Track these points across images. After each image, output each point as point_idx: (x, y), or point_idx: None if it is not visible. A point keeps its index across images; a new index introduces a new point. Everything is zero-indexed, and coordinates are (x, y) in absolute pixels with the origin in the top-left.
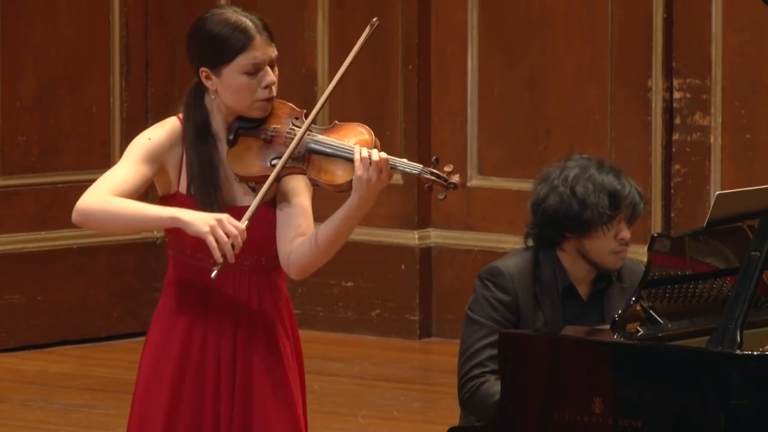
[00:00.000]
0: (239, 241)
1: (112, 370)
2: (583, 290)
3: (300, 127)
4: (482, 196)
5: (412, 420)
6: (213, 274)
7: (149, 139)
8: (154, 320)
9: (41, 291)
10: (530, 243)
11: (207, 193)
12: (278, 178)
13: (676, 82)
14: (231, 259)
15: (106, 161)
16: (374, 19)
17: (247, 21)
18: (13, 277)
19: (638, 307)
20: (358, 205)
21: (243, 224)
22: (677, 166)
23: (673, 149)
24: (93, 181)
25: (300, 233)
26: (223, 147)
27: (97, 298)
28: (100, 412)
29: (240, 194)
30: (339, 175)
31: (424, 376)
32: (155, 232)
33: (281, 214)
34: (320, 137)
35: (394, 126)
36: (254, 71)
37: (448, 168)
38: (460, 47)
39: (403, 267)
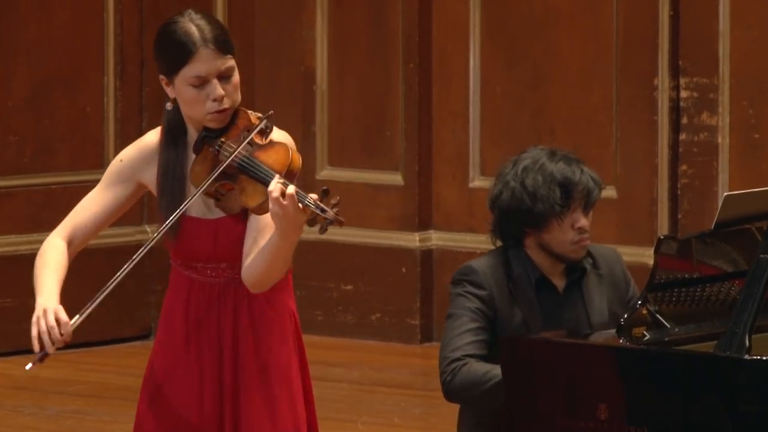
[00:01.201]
0: (56, 333)
1: (105, 375)
2: (558, 282)
3: (239, 143)
4: (484, 197)
5: (413, 426)
6: (27, 367)
7: (120, 160)
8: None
9: (34, 294)
10: (498, 243)
11: (166, 203)
12: (214, 195)
13: (682, 81)
14: (49, 350)
15: (99, 162)
16: (269, 114)
17: (195, 33)
18: (5, 280)
19: (644, 311)
20: (280, 236)
21: (72, 320)
22: (684, 167)
23: (680, 149)
24: (87, 181)
25: (259, 248)
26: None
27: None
28: (93, 419)
29: (211, 205)
30: (253, 198)
31: (425, 382)
32: (149, 234)
33: (247, 227)
34: (248, 157)
35: (394, 126)
36: (199, 84)
37: (334, 200)
38: (461, 46)
39: (403, 270)
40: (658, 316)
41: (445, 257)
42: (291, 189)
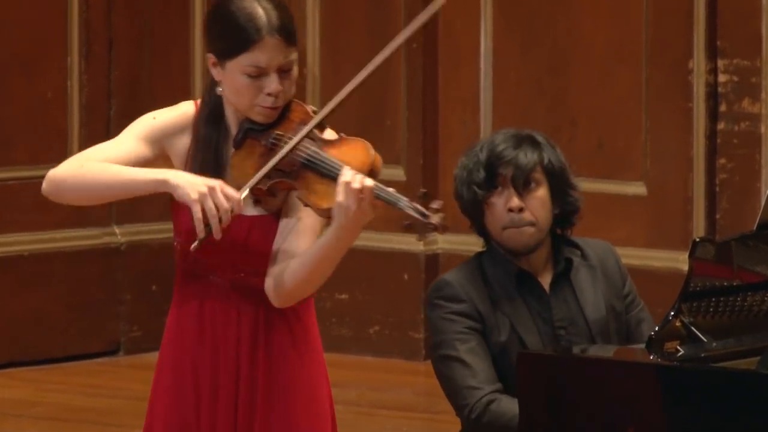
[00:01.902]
0: (229, 215)
1: (70, 396)
2: (543, 279)
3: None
4: None
5: None
6: (193, 246)
7: (154, 118)
8: (163, 342)
9: None
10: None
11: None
12: (272, 193)
13: (721, 64)
14: (217, 233)
15: (62, 155)
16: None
17: (262, 17)
18: None
19: (678, 323)
20: (337, 235)
21: (241, 194)
22: (723, 160)
23: (718, 141)
24: None
25: (293, 254)
26: (231, 146)
27: (54, 312)
28: None
29: (248, 201)
30: (326, 198)
31: (429, 403)
32: (119, 237)
33: (280, 228)
34: (316, 151)
35: (395, 115)
36: (257, 74)
37: (435, 205)
38: (472, 24)
39: (406, 276)
40: (693, 328)
41: (452, 262)
42: (370, 182)
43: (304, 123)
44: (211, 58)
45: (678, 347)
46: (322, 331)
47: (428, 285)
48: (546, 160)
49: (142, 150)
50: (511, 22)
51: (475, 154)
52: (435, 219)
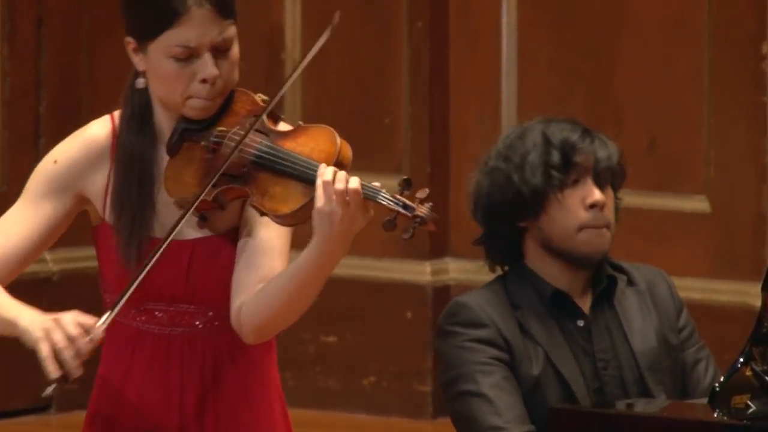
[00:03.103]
0: (83, 348)
1: None
2: (582, 302)
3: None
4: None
5: None
6: (44, 393)
7: (55, 161)
8: (92, 398)
9: None
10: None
11: (130, 216)
12: (219, 204)
13: None
14: (73, 372)
15: None
16: (336, 16)
17: None
18: None
19: (748, 372)
20: (321, 249)
21: (99, 323)
22: None
23: None
24: None
25: (261, 278)
26: (165, 155)
27: None
28: None
29: (191, 222)
30: (286, 202)
31: None
32: (50, 264)
33: (238, 249)
34: (269, 145)
35: (396, 109)
36: (186, 56)
37: (421, 194)
38: None
39: (409, 315)
40: (767, 379)
41: None
42: (355, 181)
43: (252, 114)
44: (131, 42)
45: (749, 402)
46: (305, 383)
47: (436, 323)
48: (620, 156)
49: (51, 210)
50: None
51: (529, 138)
52: (423, 210)
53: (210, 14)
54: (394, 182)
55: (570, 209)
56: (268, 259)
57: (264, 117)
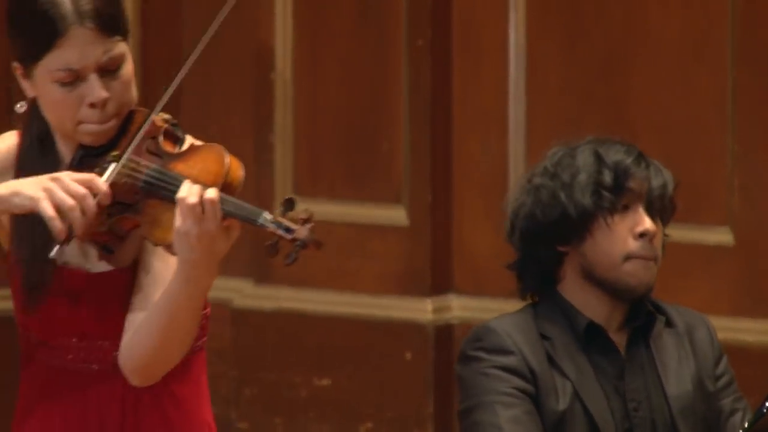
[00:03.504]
0: (89, 204)
1: None
2: (617, 337)
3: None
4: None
5: None
6: (52, 253)
7: None
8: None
9: None
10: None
11: (30, 247)
12: (116, 235)
13: None
14: (78, 230)
15: None
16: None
17: (66, 1)
18: None
19: None
20: (186, 275)
21: (103, 179)
22: None
23: None
24: None
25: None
26: None
27: None
28: None
29: (92, 254)
30: (172, 231)
31: None
32: None
33: (136, 285)
34: (158, 170)
35: (395, 134)
36: (71, 80)
37: (303, 214)
38: (497, 11)
39: (408, 356)
40: None
41: None
42: (212, 192)
43: (149, 136)
44: (17, 67)
45: None
46: (296, 430)
47: (439, 367)
48: (674, 187)
49: None
50: (550, 9)
51: (580, 156)
52: (302, 233)
53: (92, 33)
54: (392, 213)
55: (618, 236)
56: (157, 293)
57: (160, 138)
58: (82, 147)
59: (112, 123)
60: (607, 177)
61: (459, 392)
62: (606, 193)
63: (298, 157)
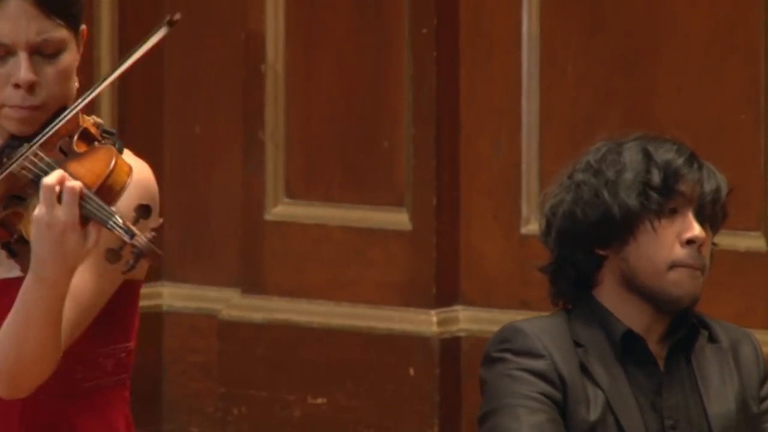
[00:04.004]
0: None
1: None
2: (656, 349)
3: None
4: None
5: None
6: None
7: None
8: None
9: None
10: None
11: None
12: (7, 229)
13: None
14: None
15: None
16: (176, 15)
17: None
18: None
19: None
20: (36, 273)
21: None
22: None
23: None
24: None
25: None
26: None
27: None
28: None
29: (5, 261)
30: None
31: None
32: None
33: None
34: (48, 163)
35: (396, 131)
36: (1, 55)
37: (153, 223)
38: (509, 1)
39: (412, 372)
40: None
41: (480, 350)
42: (75, 182)
43: (67, 133)
44: None
45: None
46: None
47: (445, 384)
48: (728, 192)
49: None
50: None
51: (627, 153)
52: (140, 240)
53: (30, 8)
54: (394, 217)
55: (664, 241)
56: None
57: (75, 137)
58: (12, 137)
59: (39, 114)
60: (656, 177)
61: (481, 398)
62: (654, 194)
63: (291, 157)
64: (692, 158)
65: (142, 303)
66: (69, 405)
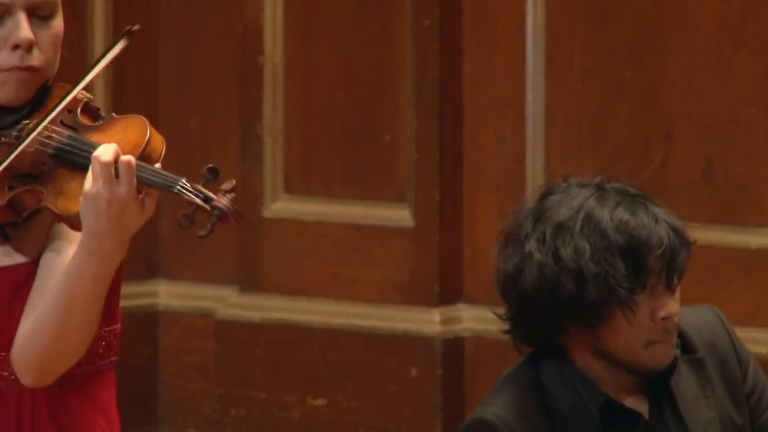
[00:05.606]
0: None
1: None
2: (635, 401)
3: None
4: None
5: None
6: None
7: None
8: None
9: None
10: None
11: None
12: (16, 210)
13: None
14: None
15: None
16: (134, 27)
17: None
18: None
19: None
20: (90, 247)
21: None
22: None
23: None
24: None
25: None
26: None
27: None
28: None
29: None
30: (78, 199)
31: None
32: None
33: (37, 276)
34: (71, 136)
35: (398, 126)
36: None
37: (226, 185)
38: None
39: (414, 372)
40: None
41: (484, 350)
42: (128, 156)
43: (65, 109)
44: None
45: None
46: None
47: (448, 385)
48: (691, 241)
49: None
50: None
51: (579, 231)
52: (222, 201)
53: None
54: (396, 213)
55: (638, 323)
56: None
57: (78, 111)
58: (1, 112)
59: (35, 76)
60: (622, 265)
61: None
62: (622, 290)
63: (290, 151)
64: (651, 220)
65: (138, 302)
66: (65, 390)
